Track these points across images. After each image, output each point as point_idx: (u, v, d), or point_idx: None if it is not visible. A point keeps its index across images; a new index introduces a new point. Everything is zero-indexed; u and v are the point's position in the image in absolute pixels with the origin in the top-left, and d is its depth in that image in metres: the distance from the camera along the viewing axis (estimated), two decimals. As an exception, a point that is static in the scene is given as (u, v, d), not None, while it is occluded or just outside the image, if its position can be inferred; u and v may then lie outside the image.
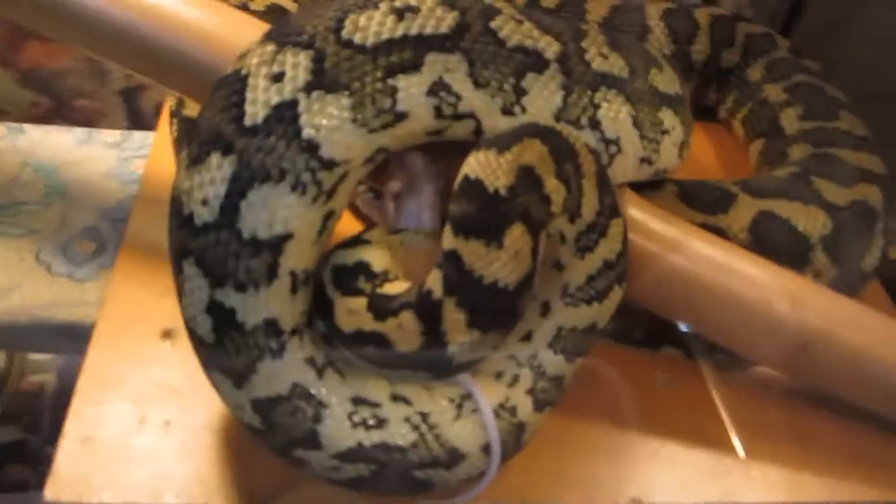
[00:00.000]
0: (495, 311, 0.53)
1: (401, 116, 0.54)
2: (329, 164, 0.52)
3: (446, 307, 0.52)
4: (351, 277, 0.55)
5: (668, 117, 0.66)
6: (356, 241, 0.58)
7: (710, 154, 1.03)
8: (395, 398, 0.58)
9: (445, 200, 0.56)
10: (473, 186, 0.51)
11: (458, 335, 0.52)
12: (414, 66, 0.54)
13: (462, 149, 0.56)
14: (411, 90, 0.54)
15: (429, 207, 0.59)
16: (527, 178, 0.52)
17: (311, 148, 0.51)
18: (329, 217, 0.55)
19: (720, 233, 0.72)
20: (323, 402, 0.57)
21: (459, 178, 0.53)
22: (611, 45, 0.62)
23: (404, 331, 0.53)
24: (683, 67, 1.03)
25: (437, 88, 0.54)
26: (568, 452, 0.68)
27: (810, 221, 0.75)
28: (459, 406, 0.59)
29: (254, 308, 0.53)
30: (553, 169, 0.54)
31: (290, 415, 0.56)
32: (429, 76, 0.54)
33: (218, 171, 0.51)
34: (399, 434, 0.57)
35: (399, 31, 0.53)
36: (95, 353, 0.68)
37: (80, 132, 0.98)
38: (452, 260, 0.51)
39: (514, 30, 0.57)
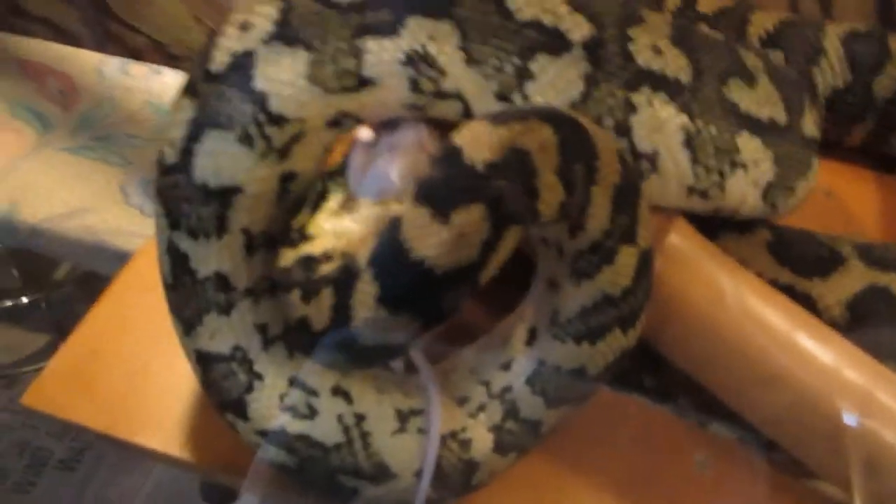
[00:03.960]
0: (411, 292, 0.45)
1: (366, 82, 0.49)
2: (278, 120, 0.49)
3: (362, 278, 0.45)
4: (289, 274, 0.51)
5: (749, 146, 0.53)
6: (298, 239, 0.52)
7: (873, 213, 0.84)
8: (337, 391, 0.53)
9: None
10: (451, 153, 0.44)
11: (364, 310, 0.45)
12: (390, 30, 0.48)
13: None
14: (383, 55, 0.48)
15: (400, 168, 0.51)
16: (517, 162, 0.44)
17: (261, 100, 0.49)
18: (289, 180, 0.52)
19: (808, 303, 0.58)
20: (259, 373, 0.54)
21: (446, 141, 0.46)
22: (675, 39, 0.51)
23: (320, 308, 0.48)
24: (860, 103, 0.85)
25: (416, 59, 0.48)
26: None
27: (941, 312, 0.57)
28: (405, 419, 0.53)
29: (205, 258, 0.52)
30: (556, 164, 0.45)
31: (226, 376, 0.54)
32: (407, 43, 0.48)
33: (183, 113, 0.51)
34: (324, 431, 0.52)
35: None
36: (122, 281, 0.71)
37: (210, 82, 1.03)
38: (392, 227, 0.44)
39: (529, 2, 0.48)
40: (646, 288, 0.51)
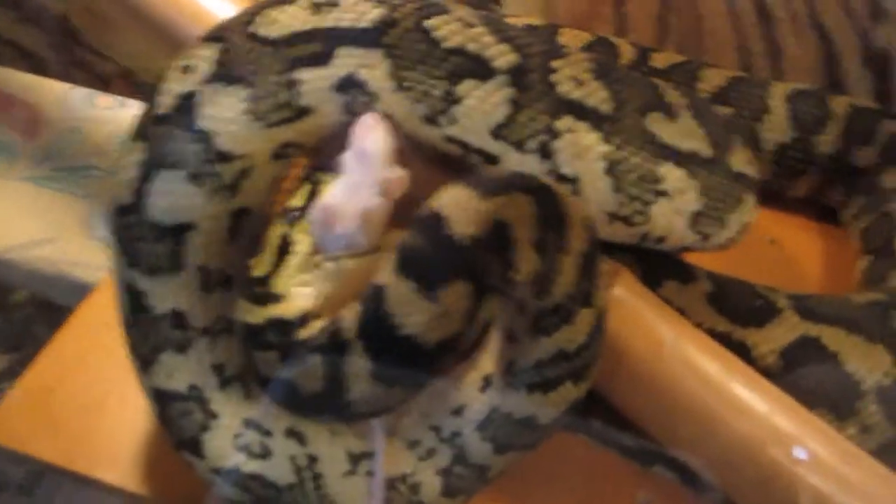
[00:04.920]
0: (404, 366, 0.47)
1: (304, 111, 0.52)
2: (225, 157, 0.51)
3: (353, 350, 0.47)
4: (262, 334, 0.52)
5: (672, 176, 0.55)
6: (265, 298, 0.53)
7: (814, 262, 0.88)
8: (291, 433, 0.54)
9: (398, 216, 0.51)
10: (435, 223, 0.45)
11: (359, 385, 0.47)
12: (322, 60, 0.51)
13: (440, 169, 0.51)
14: (316, 84, 0.51)
15: (359, 221, 0.50)
16: (498, 235, 0.45)
17: (206, 139, 0.51)
18: (241, 215, 0.53)
19: (743, 351, 0.61)
20: (214, 412, 0.55)
21: (427, 206, 0.47)
22: (596, 73, 0.53)
23: (309, 375, 0.49)
24: (803, 158, 0.89)
25: (348, 85, 0.51)
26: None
27: (867, 363, 0.61)
28: (356, 462, 0.54)
29: (161, 295, 0.54)
30: (532, 236, 0.47)
31: (182, 415, 0.55)
32: (338, 70, 0.51)
33: (134, 155, 0.53)
34: (277, 471, 0.54)
35: (310, 24, 0.51)
36: (81, 315, 0.72)
37: (176, 116, 1.04)
38: (376, 297, 0.45)
39: (454, 31, 0.51)
40: (598, 344, 0.53)
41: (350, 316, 0.47)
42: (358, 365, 0.47)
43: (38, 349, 0.71)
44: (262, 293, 0.52)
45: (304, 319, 0.52)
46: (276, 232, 0.54)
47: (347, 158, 0.51)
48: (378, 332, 0.46)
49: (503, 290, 0.48)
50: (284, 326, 0.51)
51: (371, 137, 0.50)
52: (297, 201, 0.55)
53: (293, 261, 0.53)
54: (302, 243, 0.54)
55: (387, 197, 0.50)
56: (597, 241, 0.51)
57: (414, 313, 0.44)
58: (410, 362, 0.47)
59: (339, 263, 0.52)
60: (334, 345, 0.48)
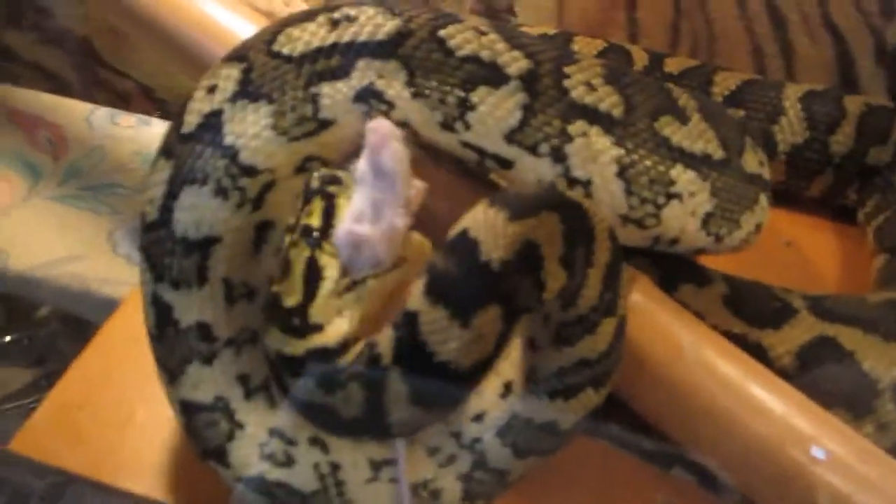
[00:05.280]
0: (441, 390, 0.48)
1: (326, 124, 0.54)
2: (249, 171, 0.53)
3: (391, 377, 0.47)
4: (302, 365, 0.51)
5: (683, 178, 0.56)
6: (304, 329, 0.51)
7: (830, 262, 0.88)
8: (314, 441, 0.55)
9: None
10: (467, 246, 0.45)
11: (398, 409, 0.48)
12: (341, 73, 0.53)
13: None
14: (336, 97, 0.53)
15: (385, 241, 0.50)
16: (527, 256, 0.46)
17: (232, 154, 0.53)
18: (265, 228, 0.55)
19: (760, 352, 0.61)
20: (239, 422, 0.56)
21: (457, 228, 0.47)
22: (607, 78, 0.54)
23: (349, 401, 0.50)
24: (818, 159, 0.90)
25: (366, 95, 0.53)
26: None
27: (884, 361, 0.61)
28: (378, 469, 0.55)
29: (187, 307, 0.55)
30: (560, 252, 0.47)
31: (208, 425, 0.56)
32: (357, 82, 0.53)
33: (160, 173, 0.55)
34: (301, 479, 0.55)
35: (329, 40, 0.53)
36: (108, 330, 0.74)
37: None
38: (409, 323, 0.45)
39: (468, 39, 0.53)
40: (619, 351, 0.54)
41: (384, 341, 0.47)
42: (395, 390, 0.47)
43: (63, 364, 0.72)
44: (300, 324, 0.50)
45: (345, 346, 0.51)
46: (299, 255, 0.52)
47: (362, 170, 0.51)
48: (413, 359, 0.46)
49: (532, 308, 0.48)
50: (326, 355, 0.51)
51: (388, 153, 0.50)
52: (312, 220, 0.53)
53: (326, 287, 0.51)
54: (330, 268, 0.52)
55: (408, 212, 0.51)
56: (620, 250, 0.52)
57: (448, 340, 0.45)
58: (448, 386, 0.47)
59: (366, 284, 0.51)
60: (372, 372, 0.48)
